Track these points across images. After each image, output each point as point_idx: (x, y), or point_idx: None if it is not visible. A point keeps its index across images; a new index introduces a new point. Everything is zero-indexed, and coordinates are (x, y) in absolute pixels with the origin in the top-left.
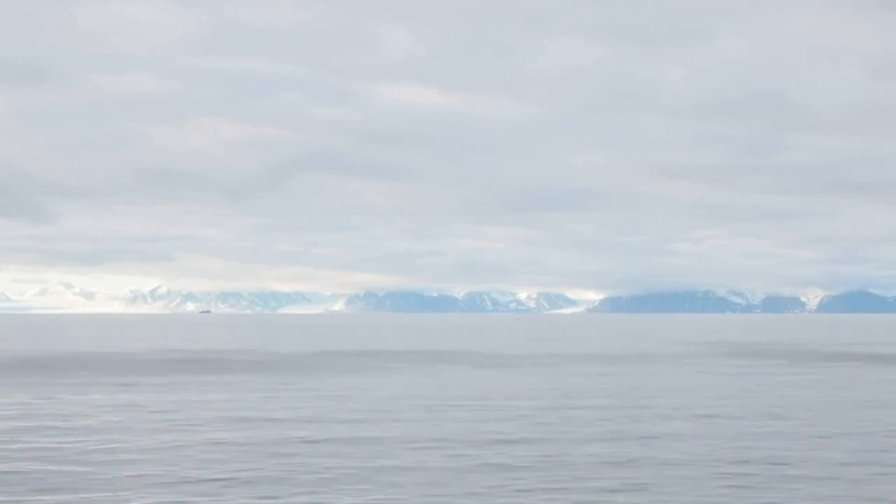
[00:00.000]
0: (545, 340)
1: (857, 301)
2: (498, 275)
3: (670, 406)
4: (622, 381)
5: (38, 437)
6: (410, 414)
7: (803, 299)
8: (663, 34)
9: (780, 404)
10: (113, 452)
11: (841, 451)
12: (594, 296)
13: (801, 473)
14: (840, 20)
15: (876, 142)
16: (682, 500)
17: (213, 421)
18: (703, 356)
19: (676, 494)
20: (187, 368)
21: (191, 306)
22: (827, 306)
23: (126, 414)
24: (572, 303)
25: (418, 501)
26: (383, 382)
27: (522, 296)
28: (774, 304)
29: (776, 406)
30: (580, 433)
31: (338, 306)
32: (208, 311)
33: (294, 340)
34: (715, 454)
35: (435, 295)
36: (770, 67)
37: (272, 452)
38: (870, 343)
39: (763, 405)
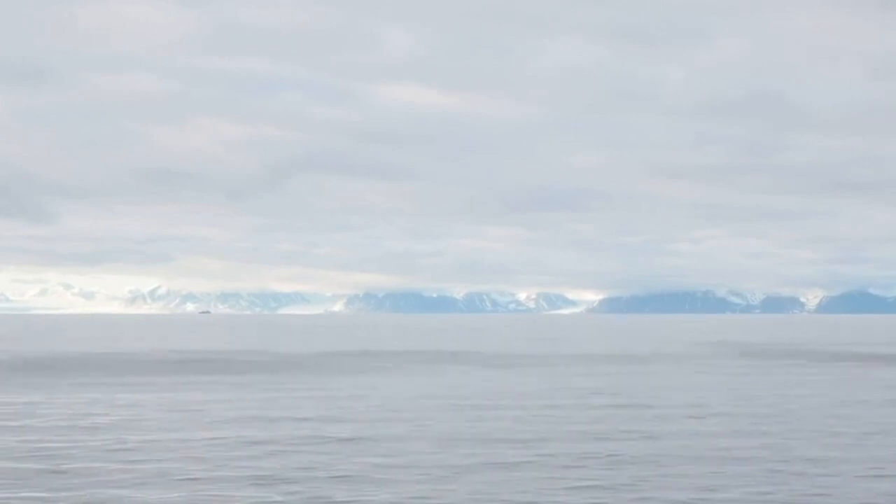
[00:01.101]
0: (550, 341)
1: (857, 301)
2: (498, 275)
3: (695, 405)
4: (638, 380)
5: (76, 436)
6: (437, 413)
7: (802, 300)
8: (663, 34)
9: (809, 405)
10: (153, 451)
11: (886, 448)
12: (593, 296)
13: (855, 471)
14: (840, 20)
15: (876, 142)
16: (755, 495)
17: (243, 420)
18: (714, 356)
19: (749, 492)
20: (199, 369)
21: (190, 307)
22: (826, 307)
23: (152, 412)
24: (571, 303)
25: (512, 498)
26: (398, 382)
27: (522, 296)
28: (774, 304)
29: (805, 407)
30: (620, 432)
31: (337, 307)
32: (208, 312)
33: (300, 341)
34: (761, 454)
35: (434, 295)
36: (770, 67)
37: (321, 451)
38: (879, 343)
39: (792, 405)
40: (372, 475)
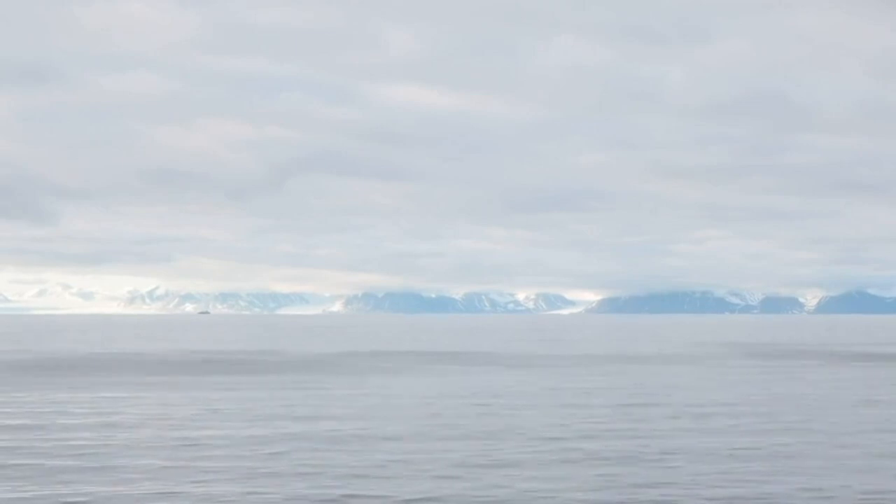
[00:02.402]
0: (555, 342)
1: (856, 301)
2: (498, 276)
3: (724, 403)
4: (655, 381)
5: (112, 433)
6: (473, 411)
7: (801, 300)
8: (667, 34)
9: (837, 404)
10: (195, 448)
11: None
12: (592, 296)
13: None
14: (843, 20)
15: (879, 142)
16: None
17: (281, 417)
18: (721, 357)
19: (813, 490)
20: (219, 368)
21: (189, 307)
22: (825, 307)
23: (185, 411)
24: (570, 303)
25: (575, 497)
26: (422, 382)
27: (521, 296)
28: (772, 304)
29: (834, 405)
30: (660, 430)
31: (336, 307)
32: (207, 312)
33: (308, 341)
34: (808, 450)
35: (433, 296)
36: (773, 67)
37: (374, 448)
38: (886, 343)
39: (821, 404)
40: (441, 472)
